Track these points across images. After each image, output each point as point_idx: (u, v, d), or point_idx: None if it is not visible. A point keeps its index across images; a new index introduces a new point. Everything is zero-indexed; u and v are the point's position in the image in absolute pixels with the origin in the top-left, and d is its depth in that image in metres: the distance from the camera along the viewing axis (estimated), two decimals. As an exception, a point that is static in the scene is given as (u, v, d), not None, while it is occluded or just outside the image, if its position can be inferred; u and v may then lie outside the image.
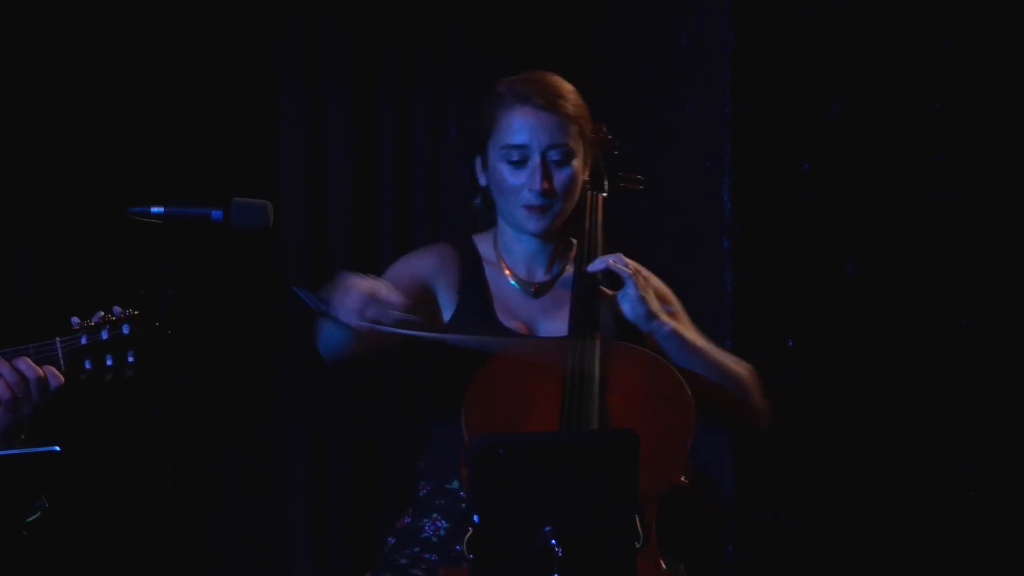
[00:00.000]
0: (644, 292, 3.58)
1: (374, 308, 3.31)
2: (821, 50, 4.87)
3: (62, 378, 3.35)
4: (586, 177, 3.74)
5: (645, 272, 3.65)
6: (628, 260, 3.61)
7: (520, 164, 3.64)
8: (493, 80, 3.77)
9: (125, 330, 3.37)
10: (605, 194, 3.78)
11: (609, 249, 3.70)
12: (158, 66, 4.68)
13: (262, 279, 4.83)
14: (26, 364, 3.34)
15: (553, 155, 3.64)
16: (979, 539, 4.85)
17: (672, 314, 3.66)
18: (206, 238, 3.38)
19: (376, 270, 3.83)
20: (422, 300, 3.67)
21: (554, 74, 3.73)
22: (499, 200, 3.71)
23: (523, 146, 3.63)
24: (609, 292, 3.62)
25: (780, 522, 4.83)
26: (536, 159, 3.63)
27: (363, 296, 3.31)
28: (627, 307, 3.59)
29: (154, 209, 3.38)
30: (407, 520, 3.67)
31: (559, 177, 3.65)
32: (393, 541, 3.66)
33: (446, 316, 3.72)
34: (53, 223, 4.60)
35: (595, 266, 3.60)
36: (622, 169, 3.85)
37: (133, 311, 3.39)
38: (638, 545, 3.21)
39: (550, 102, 3.64)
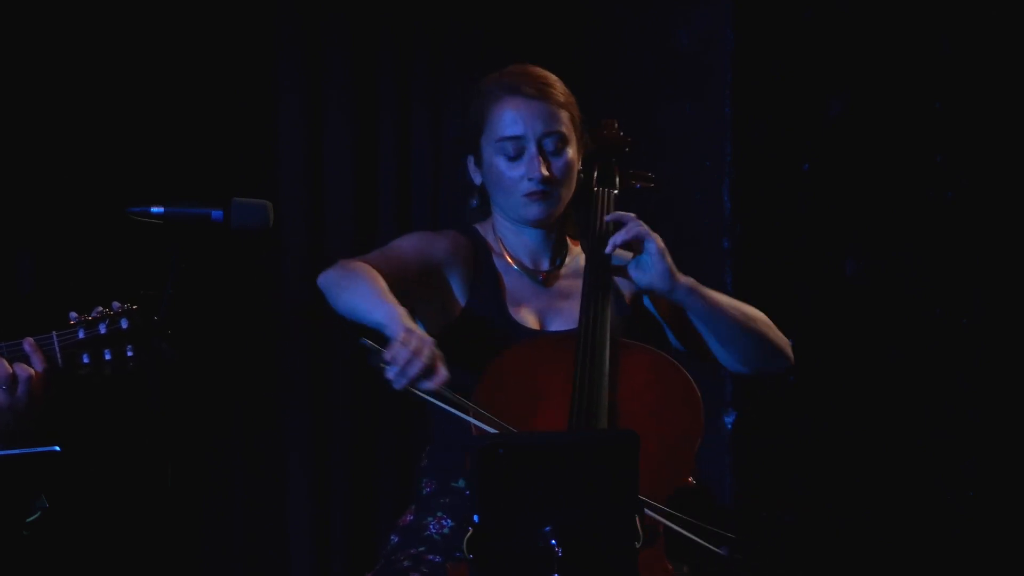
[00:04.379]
0: (663, 249, 3.56)
1: (425, 379, 3.31)
2: (821, 50, 4.87)
3: (31, 371, 3.31)
4: (580, 166, 3.73)
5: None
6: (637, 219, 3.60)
7: (517, 157, 3.64)
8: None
9: (123, 324, 3.36)
10: (616, 191, 3.77)
11: None
12: (159, 67, 4.68)
13: (262, 279, 4.83)
14: None
15: (548, 144, 3.64)
16: (979, 539, 4.85)
17: None
18: (206, 238, 3.38)
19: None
20: (432, 278, 3.64)
21: (535, 65, 3.72)
22: (498, 195, 3.70)
23: (519, 137, 3.63)
24: (627, 255, 3.58)
25: (780, 522, 4.83)
26: (532, 148, 3.63)
27: (424, 367, 3.28)
28: (650, 265, 3.56)
29: (154, 209, 3.38)
30: (410, 518, 3.65)
31: (556, 164, 3.65)
32: (396, 539, 3.65)
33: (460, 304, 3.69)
34: (53, 223, 4.59)
35: (615, 239, 3.56)
36: (634, 166, 3.85)
37: (132, 305, 3.38)
38: (638, 545, 3.20)
39: (540, 91, 3.64)
